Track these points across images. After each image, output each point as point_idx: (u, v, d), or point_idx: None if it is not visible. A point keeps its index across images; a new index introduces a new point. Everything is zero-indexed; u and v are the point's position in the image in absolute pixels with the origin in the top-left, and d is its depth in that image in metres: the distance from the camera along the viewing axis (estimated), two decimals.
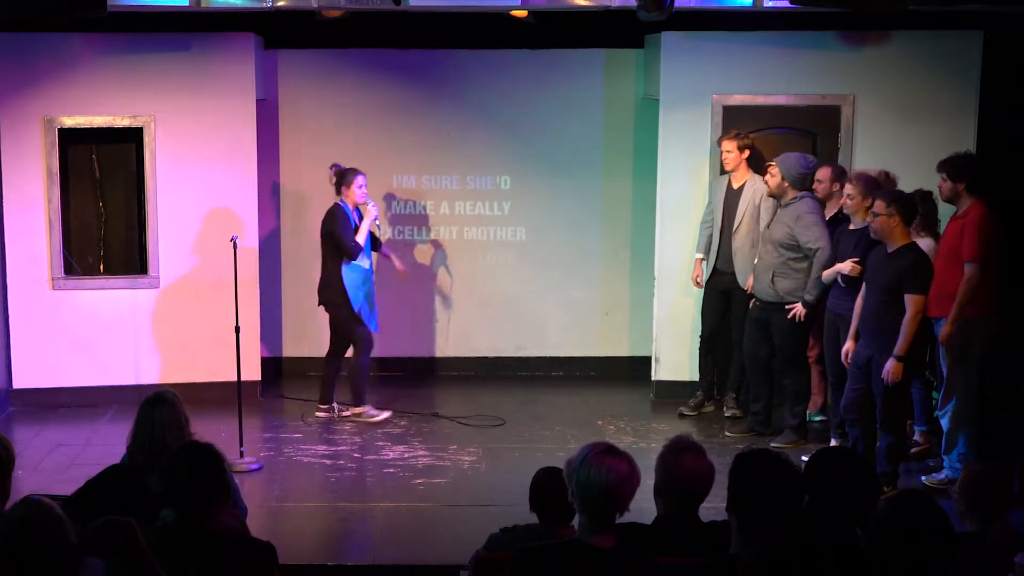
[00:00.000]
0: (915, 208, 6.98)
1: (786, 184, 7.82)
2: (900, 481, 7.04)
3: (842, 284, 7.36)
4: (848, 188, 7.41)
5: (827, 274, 7.49)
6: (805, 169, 7.85)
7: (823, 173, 8.09)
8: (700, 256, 8.66)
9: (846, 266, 7.29)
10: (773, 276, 7.87)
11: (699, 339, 8.79)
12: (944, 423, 7.18)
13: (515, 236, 9.83)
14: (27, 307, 8.81)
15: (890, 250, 6.85)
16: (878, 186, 7.35)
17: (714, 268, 8.56)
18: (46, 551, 3.25)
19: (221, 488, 3.94)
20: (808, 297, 7.75)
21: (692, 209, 8.95)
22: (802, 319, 7.81)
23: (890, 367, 6.77)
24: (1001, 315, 7.14)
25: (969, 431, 7.09)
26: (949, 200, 7.19)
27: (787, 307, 7.81)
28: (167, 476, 3.93)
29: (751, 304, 8.19)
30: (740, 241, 8.37)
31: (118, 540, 3.40)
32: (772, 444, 7.78)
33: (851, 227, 7.39)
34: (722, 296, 8.58)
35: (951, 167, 7.09)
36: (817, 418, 8.41)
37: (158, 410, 5.09)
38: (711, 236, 8.58)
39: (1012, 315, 7.60)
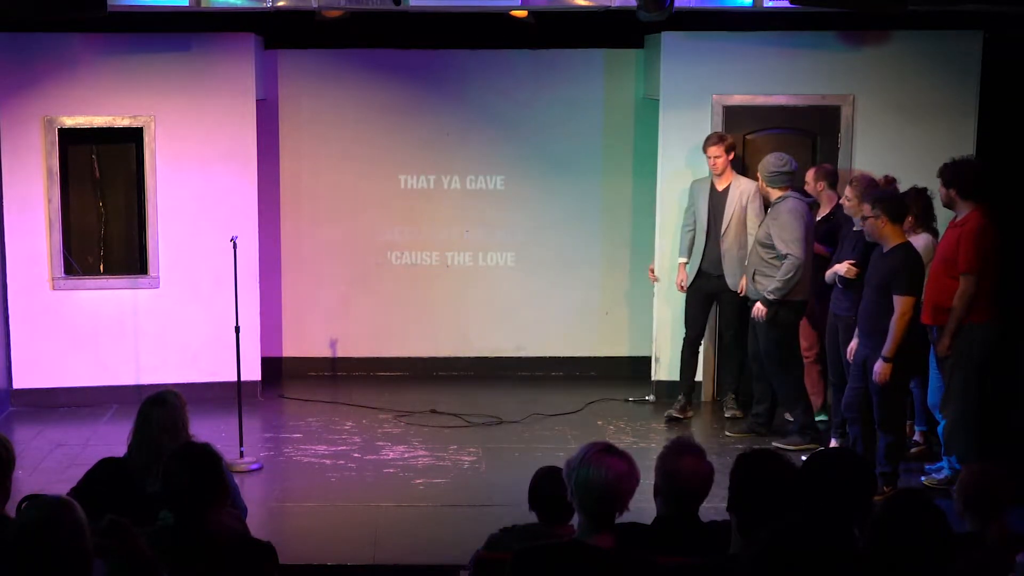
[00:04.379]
0: (902, 207, 6.94)
1: (765, 185, 7.87)
2: (900, 481, 7.04)
3: (839, 285, 7.37)
4: (847, 191, 7.43)
5: (828, 274, 7.51)
6: (775, 167, 7.83)
7: (808, 175, 8.11)
8: (683, 260, 8.62)
9: (842, 267, 7.31)
10: (755, 274, 7.89)
11: (683, 342, 8.72)
12: (944, 424, 7.18)
13: (515, 236, 9.83)
14: (27, 307, 8.81)
15: (884, 250, 6.85)
16: (876, 188, 7.34)
17: (699, 271, 8.51)
18: (63, 551, 3.25)
19: (219, 489, 3.93)
20: (769, 296, 7.75)
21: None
22: (761, 318, 7.82)
23: (879, 368, 6.78)
24: (999, 320, 7.13)
25: (969, 432, 7.08)
26: (947, 206, 7.18)
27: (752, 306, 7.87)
28: (165, 478, 3.92)
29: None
30: (729, 243, 8.34)
31: (116, 542, 3.40)
32: (773, 444, 7.77)
33: (855, 228, 7.39)
34: (708, 299, 8.56)
35: (945, 174, 7.08)
36: (818, 418, 8.41)
37: (156, 411, 5.09)
38: (693, 239, 8.54)
39: (1011, 316, 7.60)
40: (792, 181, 7.95)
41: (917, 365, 7.18)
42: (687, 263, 8.60)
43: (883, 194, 6.97)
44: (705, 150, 8.37)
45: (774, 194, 7.87)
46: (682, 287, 8.63)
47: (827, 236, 8.00)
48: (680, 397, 8.70)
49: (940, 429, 7.23)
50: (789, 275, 7.68)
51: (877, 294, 6.86)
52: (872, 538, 3.38)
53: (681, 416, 8.63)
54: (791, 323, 7.96)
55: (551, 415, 8.77)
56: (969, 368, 7.03)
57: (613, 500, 3.58)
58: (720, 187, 8.38)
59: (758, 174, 8.03)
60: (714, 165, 8.31)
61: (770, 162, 7.90)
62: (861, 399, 7.03)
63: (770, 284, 7.77)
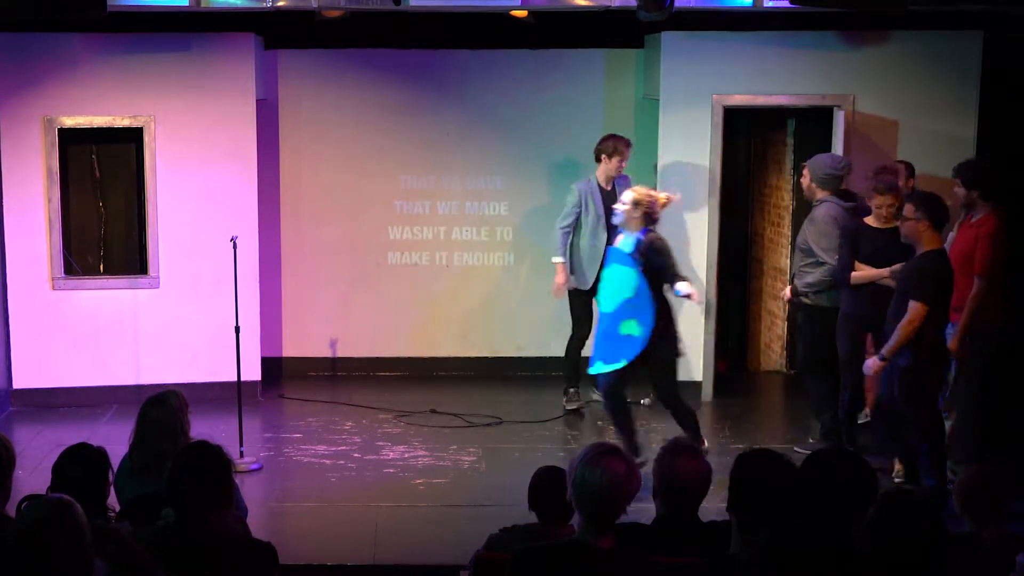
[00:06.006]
0: (945, 211, 6.66)
1: (814, 185, 7.70)
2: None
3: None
4: (882, 199, 7.25)
5: (860, 277, 7.34)
6: (832, 170, 7.64)
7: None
8: (562, 261, 8.61)
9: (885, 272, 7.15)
10: (794, 277, 7.88)
11: (571, 340, 8.91)
12: (948, 426, 7.12)
13: (515, 236, 9.83)
14: (27, 307, 8.80)
15: (917, 253, 6.65)
16: (914, 192, 7.19)
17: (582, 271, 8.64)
18: (64, 551, 3.25)
19: (222, 492, 3.93)
20: (798, 286, 7.69)
21: (692, 208, 8.96)
22: (785, 300, 7.85)
23: (869, 363, 6.69)
24: (1008, 321, 7.08)
25: (972, 431, 7.03)
26: (964, 207, 7.11)
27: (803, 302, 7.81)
28: (169, 475, 3.93)
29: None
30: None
31: (114, 545, 3.41)
32: (795, 448, 7.68)
33: (869, 222, 7.29)
34: (591, 297, 8.64)
35: (966, 174, 6.99)
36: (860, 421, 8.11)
37: (155, 412, 5.10)
38: (571, 238, 8.62)
39: (1016, 315, 7.58)
40: (839, 184, 7.75)
41: (941, 376, 6.89)
42: (564, 263, 8.63)
43: (926, 197, 6.70)
44: (622, 155, 8.52)
45: (819, 194, 7.68)
46: (561, 290, 8.66)
47: None
48: (572, 390, 8.88)
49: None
50: (824, 280, 7.59)
51: (900, 299, 6.68)
52: (866, 539, 3.38)
53: (579, 406, 8.85)
54: (820, 331, 7.73)
55: (551, 415, 8.77)
56: (975, 369, 6.98)
57: (609, 503, 3.58)
58: (608, 187, 8.57)
59: (805, 170, 7.86)
60: (620, 167, 8.54)
61: (826, 163, 7.69)
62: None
63: (806, 279, 7.70)
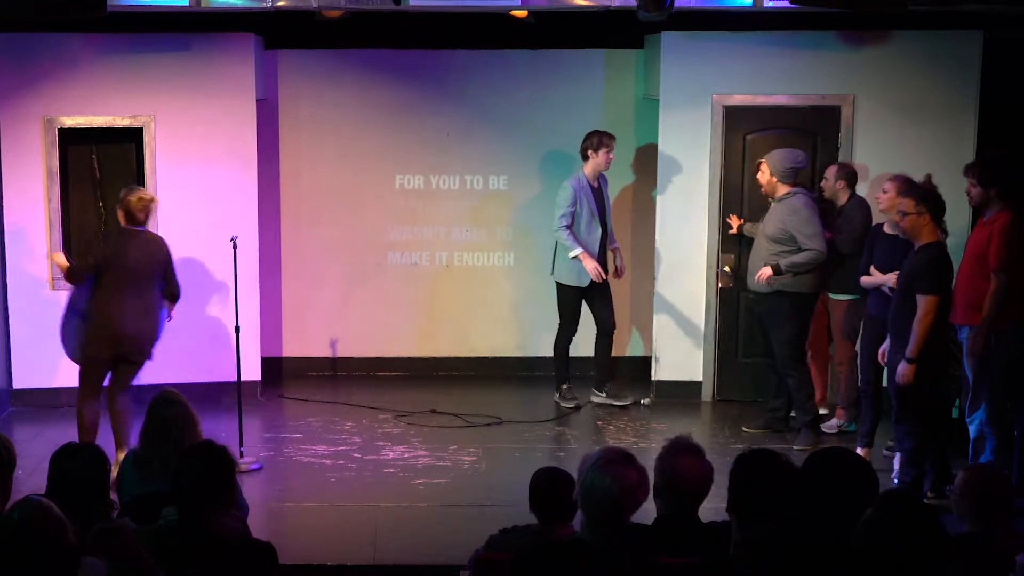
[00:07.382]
0: (943, 207, 6.77)
1: (775, 180, 7.88)
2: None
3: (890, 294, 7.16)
4: (886, 185, 7.39)
5: (868, 281, 7.43)
6: (794, 164, 7.91)
7: (829, 172, 8.16)
8: (580, 250, 8.60)
9: (890, 278, 7.16)
10: (770, 264, 7.91)
11: (563, 339, 8.99)
12: (972, 430, 7.04)
13: (515, 236, 9.83)
14: (27, 307, 8.80)
15: (915, 248, 6.70)
16: (916, 186, 7.13)
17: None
18: (45, 551, 3.27)
19: (225, 493, 3.94)
20: (783, 265, 7.78)
21: (692, 208, 8.96)
22: (763, 280, 7.84)
23: (902, 370, 6.60)
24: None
25: (997, 437, 6.97)
26: (979, 206, 7.06)
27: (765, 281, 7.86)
28: (175, 474, 3.93)
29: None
30: (605, 236, 8.80)
31: (113, 546, 3.42)
32: (795, 447, 7.72)
33: (887, 230, 7.33)
34: (582, 295, 8.85)
35: (982, 172, 6.94)
36: (852, 428, 8.15)
37: (171, 411, 5.09)
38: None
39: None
40: (798, 178, 8.00)
41: (943, 366, 6.89)
42: (583, 251, 8.62)
43: (927, 193, 6.77)
44: (608, 147, 8.60)
45: (782, 189, 7.90)
46: (599, 270, 8.63)
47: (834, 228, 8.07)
48: (565, 387, 8.95)
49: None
50: (810, 263, 7.78)
51: (901, 295, 6.71)
52: (864, 538, 3.38)
53: (577, 403, 8.93)
54: (802, 319, 7.99)
55: (551, 415, 8.77)
56: (996, 371, 6.93)
57: (616, 509, 3.57)
58: (595, 184, 8.69)
59: (761, 167, 8.00)
60: (607, 163, 8.67)
61: (786, 158, 7.91)
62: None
63: (791, 258, 7.78)
